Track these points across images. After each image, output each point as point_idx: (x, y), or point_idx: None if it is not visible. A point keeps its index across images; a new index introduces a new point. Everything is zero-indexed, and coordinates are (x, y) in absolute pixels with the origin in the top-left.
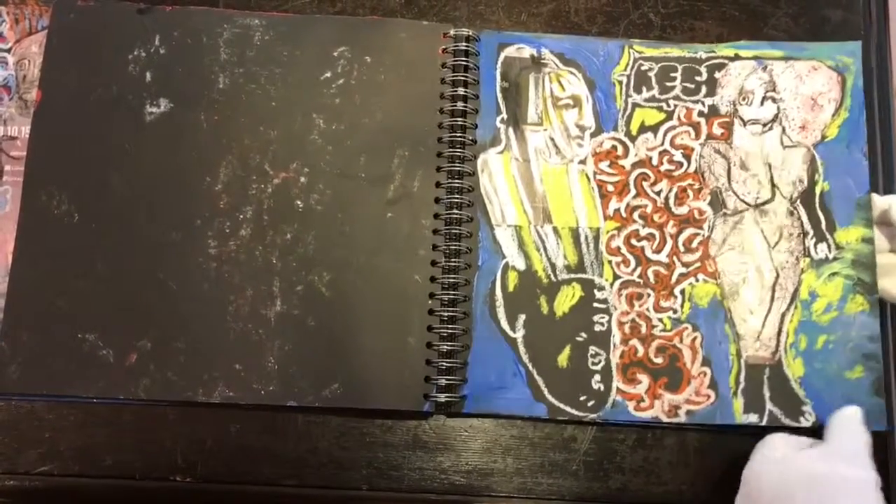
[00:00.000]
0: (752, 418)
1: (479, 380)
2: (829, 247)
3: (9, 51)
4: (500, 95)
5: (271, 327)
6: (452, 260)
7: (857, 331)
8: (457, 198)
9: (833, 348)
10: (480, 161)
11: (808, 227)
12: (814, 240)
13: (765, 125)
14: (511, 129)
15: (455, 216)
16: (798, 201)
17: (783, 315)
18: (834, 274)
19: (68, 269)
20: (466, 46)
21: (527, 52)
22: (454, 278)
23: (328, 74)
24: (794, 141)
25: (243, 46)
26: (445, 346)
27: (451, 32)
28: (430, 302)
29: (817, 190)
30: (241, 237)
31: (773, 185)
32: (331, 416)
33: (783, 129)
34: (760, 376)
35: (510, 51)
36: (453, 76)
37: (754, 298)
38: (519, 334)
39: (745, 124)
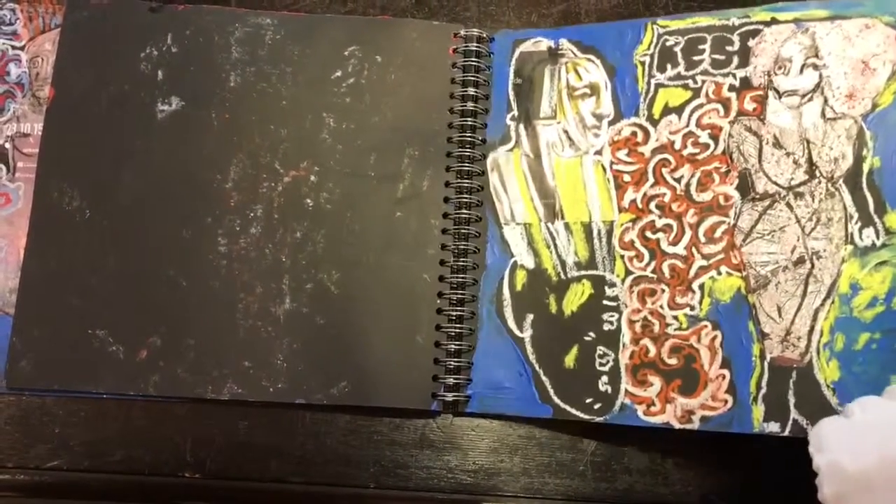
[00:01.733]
0: (773, 427)
1: (485, 380)
2: (876, 232)
3: (22, 48)
4: (511, 93)
5: (280, 325)
6: (461, 259)
7: None
8: (465, 197)
9: (877, 349)
10: (490, 160)
11: (851, 210)
12: (858, 224)
13: (803, 96)
14: (521, 126)
15: (464, 215)
16: (840, 181)
17: (817, 311)
18: (882, 263)
19: (79, 265)
20: (477, 47)
21: (544, 44)
22: (462, 277)
23: (339, 74)
24: (838, 112)
25: (255, 45)
26: (454, 346)
27: (462, 32)
28: (438, 301)
29: (865, 167)
30: (251, 235)
31: (812, 164)
32: (339, 414)
33: (825, 100)
34: (786, 380)
35: (526, 45)
36: (463, 76)
37: (783, 293)
38: (526, 334)
39: (780, 96)
